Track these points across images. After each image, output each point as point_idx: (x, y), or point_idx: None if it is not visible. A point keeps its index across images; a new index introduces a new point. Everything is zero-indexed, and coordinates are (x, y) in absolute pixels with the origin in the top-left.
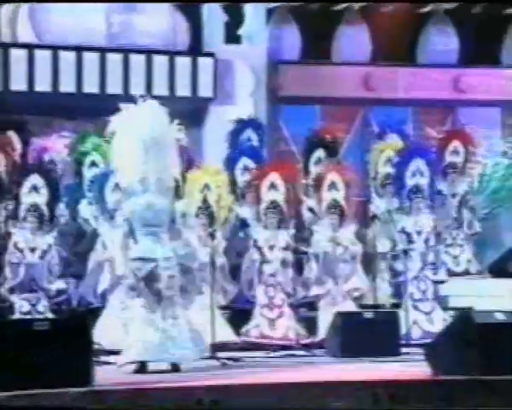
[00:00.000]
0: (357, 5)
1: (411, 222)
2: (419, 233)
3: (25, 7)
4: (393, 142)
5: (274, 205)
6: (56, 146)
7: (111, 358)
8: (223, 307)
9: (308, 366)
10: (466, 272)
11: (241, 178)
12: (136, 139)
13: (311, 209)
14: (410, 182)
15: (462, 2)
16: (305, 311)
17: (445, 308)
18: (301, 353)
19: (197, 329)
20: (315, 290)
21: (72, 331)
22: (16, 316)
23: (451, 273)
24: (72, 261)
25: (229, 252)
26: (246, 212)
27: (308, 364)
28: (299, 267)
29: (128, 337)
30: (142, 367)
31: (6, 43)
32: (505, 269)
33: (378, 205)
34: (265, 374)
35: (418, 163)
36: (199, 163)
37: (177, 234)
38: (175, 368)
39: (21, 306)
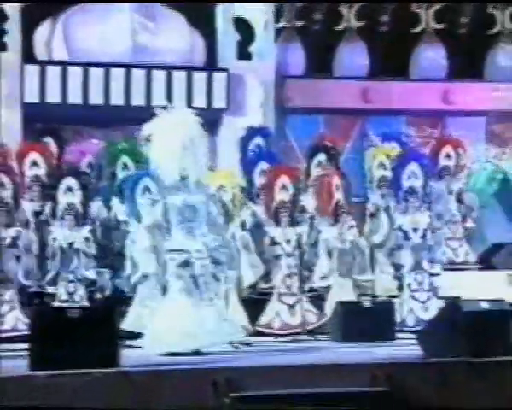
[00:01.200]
0: (356, 25)
1: (407, 220)
2: (415, 230)
3: (59, 29)
4: (385, 147)
5: (284, 204)
6: (91, 150)
7: (136, 342)
8: (241, 295)
9: (312, 350)
10: (465, 263)
11: (259, 181)
12: (177, 140)
13: (315, 209)
14: (406, 184)
15: (451, 24)
16: (316, 300)
17: (440, 298)
18: (306, 337)
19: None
20: (324, 282)
21: (101, 318)
22: (55, 304)
23: (452, 263)
24: (107, 254)
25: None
26: (261, 211)
27: (312, 348)
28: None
29: (159, 324)
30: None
31: (43, 61)
32: (489, 262)
33: (374, 205)
34: (274, 357)
35: (413, 167)
36: (214, 167)
37: (210, 229)
38: (196, 351)
39: (60, 295)
